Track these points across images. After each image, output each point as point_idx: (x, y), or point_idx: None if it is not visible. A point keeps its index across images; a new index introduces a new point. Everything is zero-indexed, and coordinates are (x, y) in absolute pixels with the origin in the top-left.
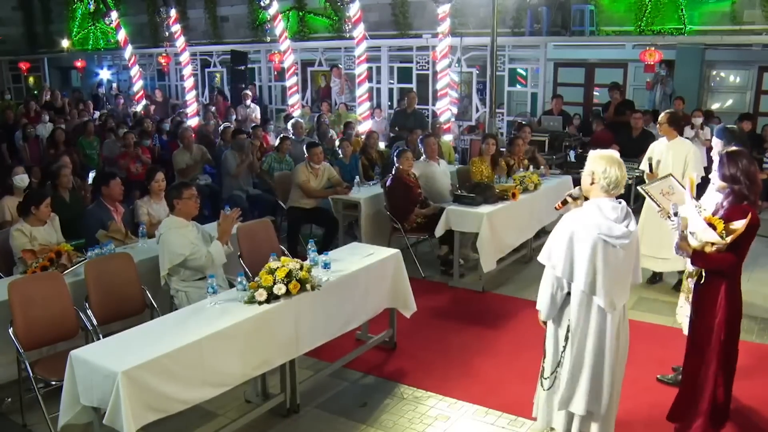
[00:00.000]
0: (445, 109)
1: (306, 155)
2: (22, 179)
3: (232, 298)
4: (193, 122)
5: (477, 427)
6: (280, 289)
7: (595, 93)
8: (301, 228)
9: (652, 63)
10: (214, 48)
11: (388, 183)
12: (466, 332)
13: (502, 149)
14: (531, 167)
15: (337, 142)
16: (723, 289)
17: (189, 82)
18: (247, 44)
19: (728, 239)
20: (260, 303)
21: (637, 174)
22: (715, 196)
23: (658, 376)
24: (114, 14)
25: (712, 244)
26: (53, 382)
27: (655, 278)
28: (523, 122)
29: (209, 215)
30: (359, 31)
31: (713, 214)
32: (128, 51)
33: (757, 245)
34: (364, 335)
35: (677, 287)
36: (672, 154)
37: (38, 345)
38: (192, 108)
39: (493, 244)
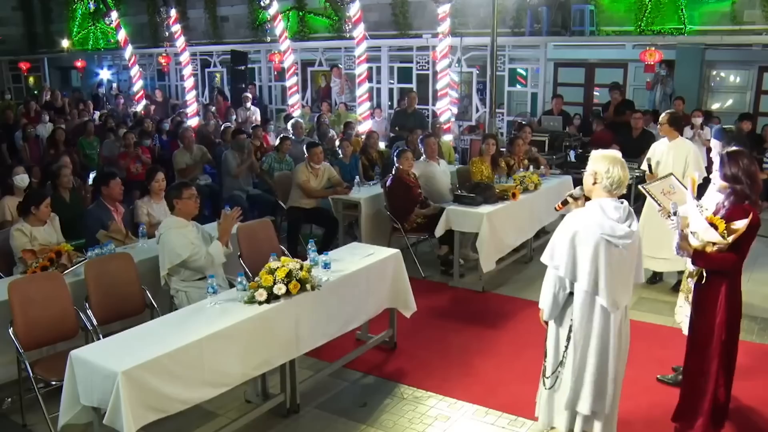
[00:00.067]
0: (445, 109)
1: (306, 155)
2: (22, 179)
3: (232, 298)
4: (193, 122)
5: (477, 427)
6: (280, 289)
7: (595, 93)
8: (301, 228)
9: (652, 63)
10: (214, 48)
11: (388, 183)
12: (466, 332)
13: (502, 149)
14: (531, 167)
15: (337, 142)
16: (724, 288)
17: (189, 82)
18: (247, 44)
19: (730, 239)
20: (260, 303)
21: (637, 174)
22: (715, 197)
23: (658, 376)
24: (114, 14)
25: (714, 243)
26: (53, 382)
27: (655, 278)
28: (523, 122)
29: (209, 215)
30: (359, 31)
31: (714, 214)
32: (128, 51)
33: (757, 245)
34: (364, 335)
35: (677, 287)
36: (673, 155)
37: (38, 345)
38: (192, 108)
39: (492, 244)
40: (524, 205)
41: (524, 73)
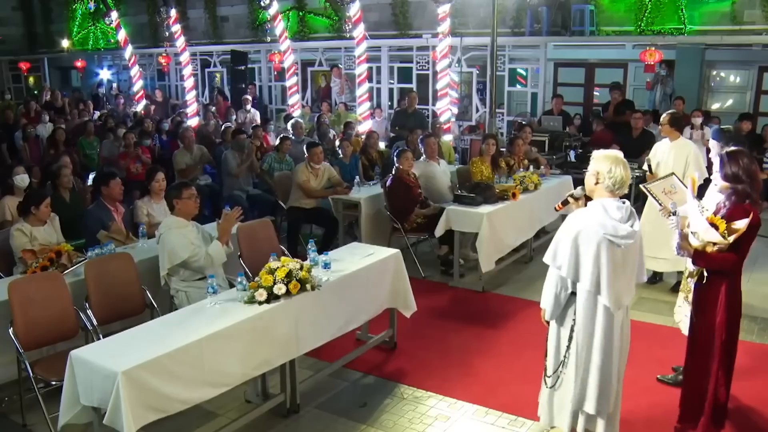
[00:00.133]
0: (445, 109)
1: (306, 155)
2: (22, 179)
3: (232, 298)
4: (193, 122)
5: (477, 427)
6: (280, 289)
7: (595, 93)
8: (301, 228)
9: (652, 63)
10: (214, 48)
11: (388, 183)
12: (466, 332)
13: (502, 149)
14: (531, 167)
15: (337, 142)
16: (724, 288)
17: (189, 82)
18: (247, 44)
19: (730, 239)
20: (260, 303)
21: (637, 174)
22: (716, 197)
23: (658, 376)
24: (114, 14)
25: (714, 243)
26: (53, 382)
27: (655, 278)
28: (523, 122)
29: (209, 215)
30: (359, 31)
31: (715, 214)
32: (128, 51)
33: (757, 245)
34: (364, 335)
35: (676, 288)
36: (674, 155)
37: (38, 345)
38: (192, 108)
39: (492, 244)
40: (524, 205)
41: (524, 73)
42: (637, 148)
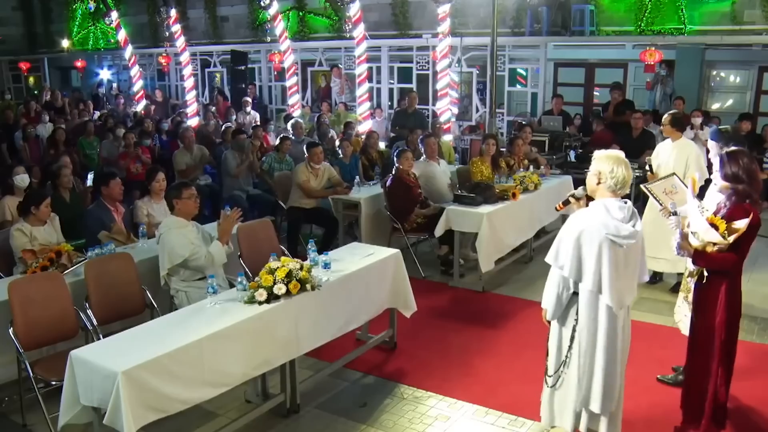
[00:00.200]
0: (445, 109)
1: (306, 155)
2: (22, 179)
3: (232, 298)
4: (193, 122)
5: (477, 427)
6: (280, 289)
7: (595, 93)
8: (301, 228)
9: (652, 63)
10: (214, 48)
11: (388, 183)
12: (466, 332)
13: (502, 149)
14: (531, 167)
15: (337, 142)
16: (724, 288)
17: (189, 82)
18: (247, 44)
19: (730, 239)
20: (260, 303)
21: (637, 174)
22: (716, 197)
23: (658, 376)
24: (114, 14)
25: (714, 243)
26: (53, 382)
27: (655, 278)
28: (523, 122)
29: (209, 215)
30: (359, 31)
31: (715, 214)
32: (128, 51)
33: (757, 245)
34: (364, 335)
35: (676, 288)
36: (675, 155)
37: (38, 345)
38: (192, 108)
39: (492, 244)
40: (524, 205)
41: (524, 73)
42: (637, 148)
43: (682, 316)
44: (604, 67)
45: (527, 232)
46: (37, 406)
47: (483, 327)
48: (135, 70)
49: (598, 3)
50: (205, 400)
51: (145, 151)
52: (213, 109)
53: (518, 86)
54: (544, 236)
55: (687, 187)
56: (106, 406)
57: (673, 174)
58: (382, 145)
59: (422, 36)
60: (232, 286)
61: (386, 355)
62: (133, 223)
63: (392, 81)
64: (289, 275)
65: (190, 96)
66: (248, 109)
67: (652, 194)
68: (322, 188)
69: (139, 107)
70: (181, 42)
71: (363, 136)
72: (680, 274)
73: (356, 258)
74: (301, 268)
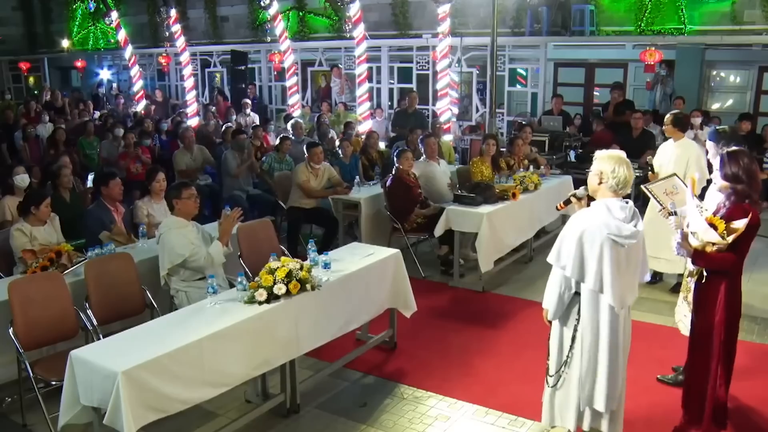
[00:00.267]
0: (445, 109)
1: (306, 155)
2: (22, 179)
3: (232, 298)
4: (193, 122)
5: (477, 427)
6: (280, 289)
7: (595, 93)
8: (301, 228)
9: (652, 63)
10: (214, 48)
11: (388, 183)
12: (466, 332)
13: (502, 149)
14: (531, 167)
15: (337, 142)
16: (723, 288)
17: (189, 82)
18: (247, 44)
19: (729, 239)
20: (260, 303)
21: (637, 174)
22: (716, 197)
23: (658, 376)
24: (114, 14)
25: (713, 244)
26: (53, 382)
27: (655, 278)
28: (524, 122)
29: (209, 215)
30: (359, 31)
31: (714, 214)
32: (128, 51)
33: (757, 245)
34: (364, 335)
35: (676, 288)
36: (677, 155)
37: (38, 345)
38: (192, 108)
39: (492, 244)
40: (524, 205)
41: (524, 73)
42: (637, 148)
43: (681, 316)
44: (604, 67)
45: (527, 232)
46: (37, 406)
47: (483, 327)
48: (135, 70)
49: (598, 3)
50: (205, 400)
51: (145, 151)
52: (213, 109)
53: (518, 86)
54: (544, 236)
55: (687, 187)
56: (106, 406)
57: (674, 174)
58: (382, 145)
59: (422, 36)
60: (232, 286)
61: (386, 355)
62: (133, 224)
63: (392, 81)
64: (289, 275)
65: (190, 96)
66: (248, 111)
67: (652, 195)
68: (322, 188)
69: (139, 107)
70: (181, 42)
71: (363, 136)
72: (680, 275)
73: (356, 258)
74: (301, 268)
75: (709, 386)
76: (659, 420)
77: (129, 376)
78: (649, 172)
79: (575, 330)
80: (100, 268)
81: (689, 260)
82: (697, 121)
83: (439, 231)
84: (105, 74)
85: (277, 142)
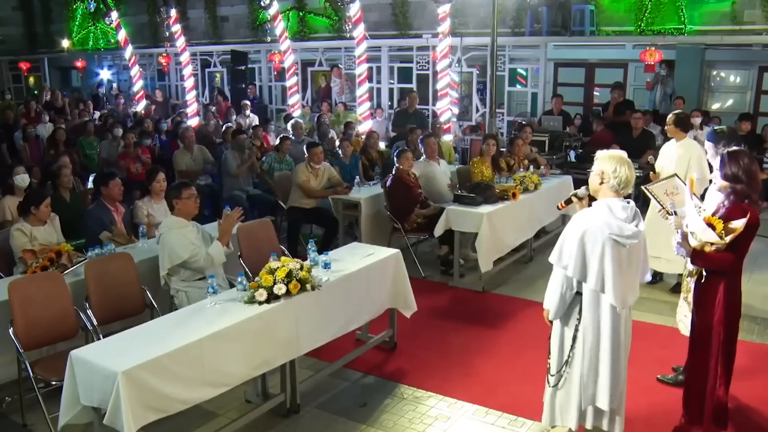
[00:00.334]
0: (445, 109)
1: (306, 155)
2: (22, 179)
3: (232, 298)
4: (193, 122)
5: (477, 427)
6: (280, 289)
7: (595, 93)
8: (301, 228)
9: (652, 63)
10: (214, 48)
11: (388, 183)
12: (466, 332)
13: (502, 149)
14: (531, 167)
15: (337, 142)
16: (722, 288)
17: (189, 82)
18: (247, 44)
19: (727, 239)
20: (260, 303)
21: (638, 174)
22: (716, 197)
23: (658, 376)
24: (114, 14)
25: (712, 243)
26: (53, 382)
27: (655, 278)
28: (524, 122)
29: (209, 215)
30: (359, 31)
31: (714, 214)
32: (128, 51)
33: (757, 245)
34: (364, 335)
35: (677, 288)
36: (678, 155)
37: (38, 345)
38: (192, 108)
39: (492, 244)
40: (524, 205)
41: (524, 73)
42: (637, 148)
43: (681, 316)
44: (604, 67)
45: (527, 232)
46: (37, 406)
47: (483, 327)
48: (135, 70)
49: (598, 3)
50: (205, 400)
51: (145, 151)
52: (213, 109)
53: (518, 86)
54: (544, 236)
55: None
56: (106, 406)
57: (674, 175)
58: (382, 145)
59: (422, 36)
60: (232, 286)
61: (386, 355)
62: (133, 224)
63: (392, 81)
64: (289, 275)
65: (190, 96)
66: (247, 112)
67: (652, 195)
68: (322, 188)
69: (139, 107)
70: (181, 42)
71: (363, 136)
72: (680, 275)
73: (356, 258)
74: (301, 268)
75: (709, 386)
76: (659, 420)
77: (129, 376)
78: (651, 172)
79: (576, 330)
80: (100, 268)
81: (689, 260)
82: (697, 121)
83: (439, 231)
84: (105, 74)
85: (277, 142)
